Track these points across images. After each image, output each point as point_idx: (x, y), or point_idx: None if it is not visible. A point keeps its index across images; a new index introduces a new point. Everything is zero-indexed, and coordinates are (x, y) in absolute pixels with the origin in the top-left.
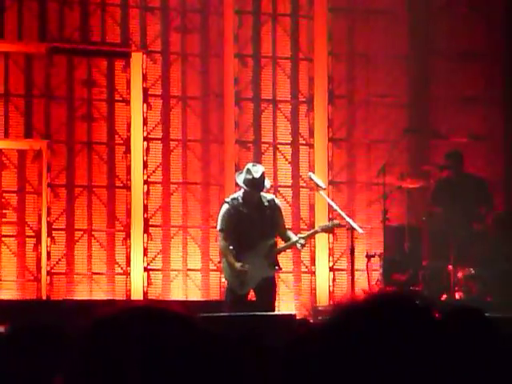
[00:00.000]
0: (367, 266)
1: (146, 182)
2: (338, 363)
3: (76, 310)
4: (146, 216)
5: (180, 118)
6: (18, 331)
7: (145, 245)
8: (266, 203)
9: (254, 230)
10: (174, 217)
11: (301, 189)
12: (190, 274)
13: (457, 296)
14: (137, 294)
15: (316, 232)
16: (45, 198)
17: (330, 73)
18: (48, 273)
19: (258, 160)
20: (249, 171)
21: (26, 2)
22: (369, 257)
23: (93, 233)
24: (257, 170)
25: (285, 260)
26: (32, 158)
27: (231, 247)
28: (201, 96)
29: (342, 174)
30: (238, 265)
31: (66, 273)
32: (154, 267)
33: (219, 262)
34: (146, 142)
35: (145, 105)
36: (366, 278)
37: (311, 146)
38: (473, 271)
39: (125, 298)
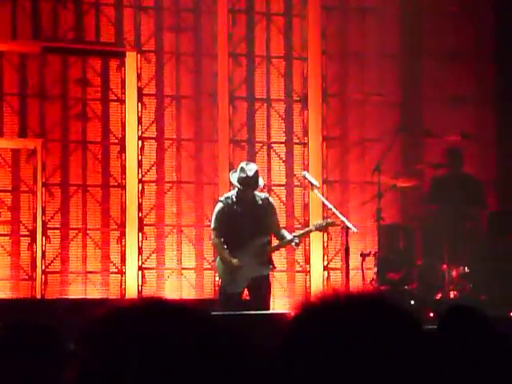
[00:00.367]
0: (362, 264)
1: (140, 181)
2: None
3: (71, 308)
4: (140, 215)
5: (174, 117)
6: (8, 330)
7: (139, 244)
8: (260, 202)
9: (247, 229)
10: (168, 216)
11: (295, 187)
12: (185, 273)
13: (451, 295)
14: (131, 293)
15: (310, 231)
16: (39, 197)
17: (323, 72)
18: (42, 272)
19: (252, 159)
20: (242, 170)
21: (20, 1)
22: (363, 256)
23: (87, 232)
24: (250, 169)
25: (279, 259)
26: (26, 157)
27: (225, 246)
28: (195, 95)
29: (336, 173)
30: (234, 261)
31: (60, 272)
32: (149, 266)
33: (213, 261)
34: (140, 141)
35: (139, 104)
36: (361, 277)
37: (305, 144)
38: (467, 270)
39: (119, 297)
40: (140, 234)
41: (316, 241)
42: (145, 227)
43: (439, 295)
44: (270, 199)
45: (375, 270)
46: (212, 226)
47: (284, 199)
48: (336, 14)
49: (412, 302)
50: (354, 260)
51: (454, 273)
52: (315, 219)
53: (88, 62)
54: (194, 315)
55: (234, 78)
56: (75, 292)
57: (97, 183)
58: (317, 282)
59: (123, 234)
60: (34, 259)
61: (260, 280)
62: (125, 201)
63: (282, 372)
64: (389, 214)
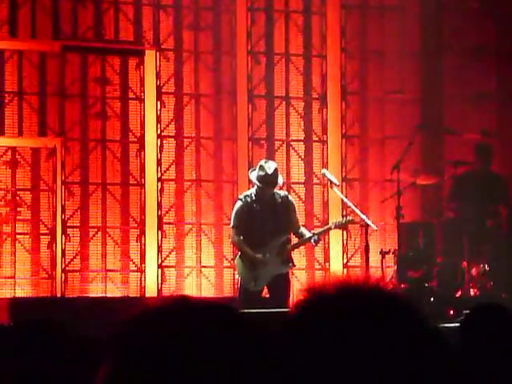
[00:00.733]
0: (381, 262)
1: (159, 180)
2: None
3: (90, 307)
4: (159, 213)
5: (193, 116)
6: (21, 327)
7: (159, 242)
8: (279, 200)
9: (267, 227)
10: (188, 214)
11: (314, 185)
12: (204, 271)
13: (471, 292)
14: (151, 291)
15: (330, 228)
16: (59, 196)
17: (342, 69)
18: (62, 270)
19: (271, 157)
20: (262, 168)
21: (39, 1)
22: (383, 253)
23: (107, 230)
24: (270, 167)
25: (298, 257)
26: (46, 156)
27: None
28: (214, 93)
29: (355, 171)
30: (258, 256)
31: (80, 270)
32: (168, 264)
33: (232, 259)
34: (159, 140)
35: (158, 102)
36: (380, 275)
37: (324, 142)
38: (487, 268)
39: (139, 295)
40: (159, 233)
41: (335, 239)
42: (164, 225)
43: (459, 293)
44: (290, 197)
45: (395, 267)
46: (231, 224)
47: (303, 197)
48: (355, 11)
49: (432, 300)
50: (374, 258)
51: (473, 270)
52: (334, 217)
53: (107, 61)
54: (224, 313)
55: (253, 76)
56: (95, 290)
57: (116, 182)
58: None
59: (143, 232)
60: (53, 258)
61: (279, 278)
62: (144, 199)
63: (282, 361)
64: (409, 211)
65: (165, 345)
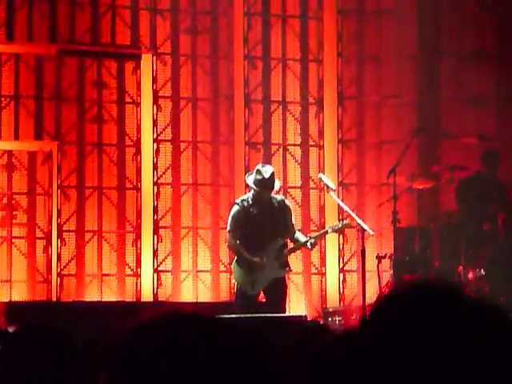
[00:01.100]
0: (378, 267)
1: (155, 184)
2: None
3: (86, 311)
4: (155, 217)
5: (190, 120)
6: (25, 331)
7: (155, 246)
8: (276, 204)
9: (263, 231)
10: (184, 218)
11: (310, 190)
12: (200, 276)
13: None
14: (146, 296)
15: (326, 232)
16: (55, 200)
17: (339, 74)
18: (58, 274)
19: (267, 161)
20: (259, 172)
21: (37, 4)
22: (379, 258)
23: (103, 234)
24: (266, 171)
25: (294, 261)
26: (42, 160)
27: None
28: (210, 98)
29: (352, 175)
30: (256, 259)
31: (76, 274)
32: (164, 268)
33: (229, 264)
34: (155, 144)
35: (155, 106)
36: (377, 280)
37: (321, 147)
38: (483, 272)
39: (134, 300)
40: (155, 237)
41: (331, 243)
42: (160, 230)
43: None
44: (286, 201)
45: (391, 272)
46: (228, 228)
47: (300, 201)
48: (352, 16)
49: None
50: (370, 262)
51: (470, 275)
52: (331, 221)
53: (104, 65)
54: (213, 323)
55: (250, 80)
56: (91, 294)
57: (112, 186)
58: (332, 284)
59: (138, 236)
60: (49, 262)
61: (277, 282)
62: (140, 203)
63: (359, 359)
64: (405, 216)
65: (157, 357)
